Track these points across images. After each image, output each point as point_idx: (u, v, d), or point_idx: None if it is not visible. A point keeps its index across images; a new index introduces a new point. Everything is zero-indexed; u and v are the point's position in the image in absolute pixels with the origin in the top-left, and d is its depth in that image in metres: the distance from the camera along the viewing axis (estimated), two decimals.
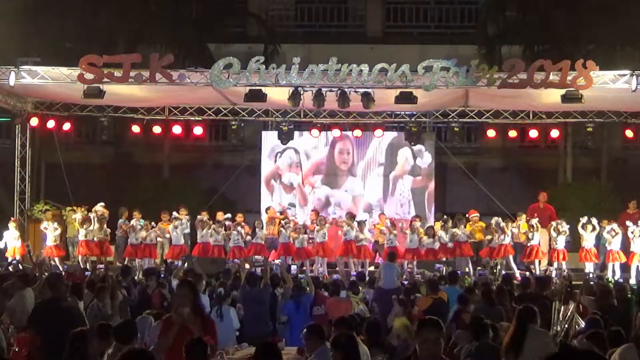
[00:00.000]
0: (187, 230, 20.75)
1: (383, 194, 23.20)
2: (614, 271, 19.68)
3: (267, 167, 23.40)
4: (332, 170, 23.43)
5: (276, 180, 23.40)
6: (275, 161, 23.37)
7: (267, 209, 22.01)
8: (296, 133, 22.60)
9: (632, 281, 18.63)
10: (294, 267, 19.98)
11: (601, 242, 20.45)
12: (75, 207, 21.06)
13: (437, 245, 20.18)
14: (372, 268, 20.10)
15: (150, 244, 20.41)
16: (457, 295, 13.54)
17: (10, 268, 17.80)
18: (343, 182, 23.39)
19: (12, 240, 20.27)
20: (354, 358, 7.55)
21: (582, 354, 3.95)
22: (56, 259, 20.24)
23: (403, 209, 22.96)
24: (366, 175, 23.33)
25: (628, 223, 19.94)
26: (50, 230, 20.42)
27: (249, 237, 20.50)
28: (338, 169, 23.43)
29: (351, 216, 21.19)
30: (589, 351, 4.38)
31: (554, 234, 20.03)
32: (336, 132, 22.49)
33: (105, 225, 20.61)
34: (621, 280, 18.25)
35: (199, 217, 20.65)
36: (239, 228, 20.48)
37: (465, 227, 20.51)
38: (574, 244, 20.46)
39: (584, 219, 20.00)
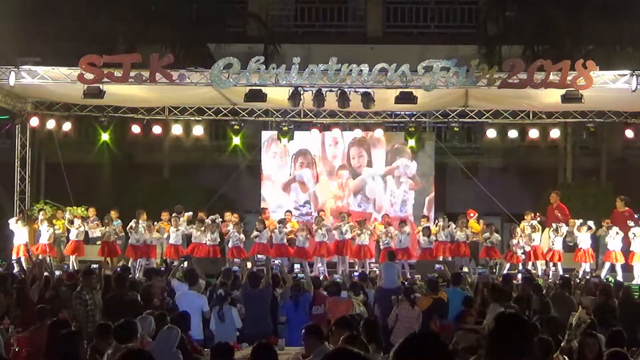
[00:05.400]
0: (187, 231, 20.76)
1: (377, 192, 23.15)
2: (615, 271, 19.64)
3: (280, 172, 23.22)
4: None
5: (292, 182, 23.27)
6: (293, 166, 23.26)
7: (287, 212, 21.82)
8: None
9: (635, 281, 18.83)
10: (297, 267, 19.98)
11: (600, 243, 20.44)
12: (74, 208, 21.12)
13: (432, 245, 20.28)
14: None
15: (149, 245, 20.42)
16: (458, 296, 13.52)
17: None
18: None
19: (22, 237, 20.19)
20: None
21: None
22: (48, 257, 20.06)
23: (394, 208, 22.87)
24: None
25: (630, 223, 19.91)
26: (44, 229, 20.38)
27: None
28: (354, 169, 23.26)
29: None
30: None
31: (552, 235, 20.10)
32: (336, 132, 22.48)
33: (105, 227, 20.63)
34: (621, 280, 18.22)
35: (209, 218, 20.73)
36: (232, 227, 20.54)
37: (467, 227, 20.52)
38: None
39: (579, 221, 20.05)
